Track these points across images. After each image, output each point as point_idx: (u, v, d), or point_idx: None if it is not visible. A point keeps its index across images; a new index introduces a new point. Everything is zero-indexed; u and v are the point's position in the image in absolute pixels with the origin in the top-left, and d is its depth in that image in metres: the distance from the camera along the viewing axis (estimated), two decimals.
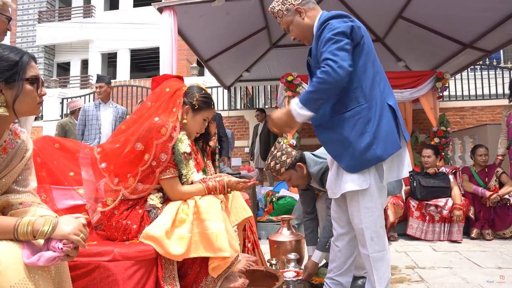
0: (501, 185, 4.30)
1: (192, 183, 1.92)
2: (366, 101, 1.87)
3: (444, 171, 4.35)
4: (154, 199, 1.81)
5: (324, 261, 2.84)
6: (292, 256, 2.58)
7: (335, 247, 2.21)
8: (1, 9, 2.34)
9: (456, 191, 4.15)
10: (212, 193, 1.89)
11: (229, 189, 1.96)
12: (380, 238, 1.92)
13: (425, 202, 4.17)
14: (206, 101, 2.02)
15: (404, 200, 4.31)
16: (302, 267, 2.69)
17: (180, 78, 2.36)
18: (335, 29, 1.82)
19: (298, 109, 1.76)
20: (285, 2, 2.05)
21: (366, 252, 1.93)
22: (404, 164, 1.98)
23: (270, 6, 2.13)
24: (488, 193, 4.18)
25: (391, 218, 4.05)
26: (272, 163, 2.55)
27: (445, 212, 4.05)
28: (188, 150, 1.89)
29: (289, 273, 2.60)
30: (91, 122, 4.58)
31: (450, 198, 4.13)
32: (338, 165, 1.95)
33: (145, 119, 1.83)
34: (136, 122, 1.86)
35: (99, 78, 4.72)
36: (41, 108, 1.30)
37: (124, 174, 1.78)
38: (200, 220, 1.69)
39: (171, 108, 1.88)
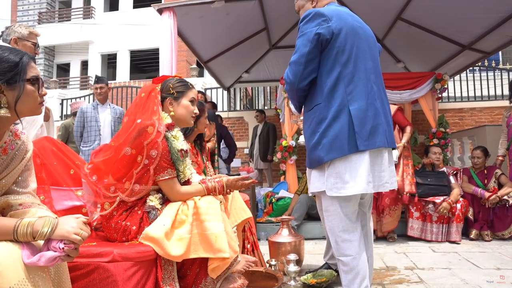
0: (500, 186, 4.30)
1: (188, 179, 1.92)
2: (323, 100, 1.92)
3: (445, 171, 4.36)
4: (153, 200, 1.81)
5: (324, 262, 2.85)
6: (291, 257, 2.58)
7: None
8: (29, 37, 2.75)
9: (455, 192, 4.16)
10: (211, 193, 1.89)
11: (228, 190, 1.97)
12: (345, 243, 1.92)
13: (424, 199, 4.19)
14: (183, 84, 1.99)
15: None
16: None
17: None
18: (303, 34, 1.94)
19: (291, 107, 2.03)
20: None
21: (334, 253, 1.98)
22: (360, 177, 1.88)
23: None
24: (487, 194, 4.19)
25: (388, 227, 4.14)
26: None
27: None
28: (185, 147, 1.88)
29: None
30: (90, 123, 4.54)
31: (447, 197, 4.14)
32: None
33: (129, 126, 1.81)
34: (124, 134, 1.83)
35: (100, 79, 4.71)
36: (42, 108, 1.31)
37: (119, 180, 1.77)
38: (200, 221, 1.69)
39: (151, 107, 1.86)
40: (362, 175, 1.88)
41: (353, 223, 1.96)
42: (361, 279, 1.91)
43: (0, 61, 1.17)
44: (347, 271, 1.92)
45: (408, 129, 4.29)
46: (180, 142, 1.86)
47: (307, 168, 2.14)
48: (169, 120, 1.88)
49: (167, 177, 1.80)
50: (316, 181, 1.98)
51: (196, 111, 2.03)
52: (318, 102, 1.93)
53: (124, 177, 1.77)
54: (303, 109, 2.14)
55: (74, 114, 5.78)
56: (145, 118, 1.80)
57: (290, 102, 2.11)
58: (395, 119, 4.26)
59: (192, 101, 1.99)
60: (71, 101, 10.86)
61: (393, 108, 4.28)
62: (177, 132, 1.88)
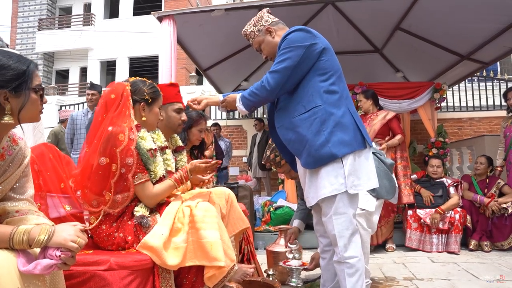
0: (502, 196, 4.27)
1: (161, 178, 1.88)
2: (323, 102, 1.95)
3: (445, 182, 4.33)
4: (140, 210, 1.77)
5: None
6: (292, 246, 2.66)
7: (322, 260, 2.24)
8: None
9: (451, 201, 4.12)
10: (181, 183, 1.90)
11: (193, 174, 1.99)
12: (353, 245, 1.95)
13: (419, 210, 4.19)
14: (156, 91, 1.99)
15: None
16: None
17: (175, 86, 2.36)
18: (292, 42, 1.96)
19: (238, 104, 2.07)
20: (257, 24, 2.21)
21: (339, 258, 1.96)
22: (371, 172, 2.01)
23: (243, 29, 2.29)
24: (486, 200, 4.16)
25: (384, 237, 4.17)
26: (272, 155, 2.60)
27: (440, 224, 4.05)
28: (153, 146, 1.87)
29: (294, 262, 2.63)
30: (79, 131, 4.48)
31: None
32: (310, 173, 2.01)
33: (101, 133, 1.78)
34: (93, 138, 1.81)
35: (93, 86, 4.71)
36: (41, 115, 1.32)
37: (99, 193, 1.74)
38: (195, 229, 1.68)
39: (124, 112, 1.83)
40: (373, 170, 2.01)
41: (355, 224, 1.99)
42: (362, 281, 1.95)
43: (7, 69, 1.17)
44: (352, 273, 1.93)
45: (398, 137, 4.31)
46: (148, 142, 1.85)
47: (307, 173, 2.05)
48: (135, 123, 1.85)
49: (137, 182, 1.77)
50: (330, 184, 1.93)
51: (162, 118, 2.11)
52: (318, 104, 1.95)
53: (103, 189, 1.73)
54: (277, 111, 2.16)
55: (62, 121, 5.79)
56: (116, 124, 1.76)
57: (240, 102, 2.12)
58: (390, 125, 4.30)
59: (159, 108, 2.02)
60: (70, 107, 10.87)
61: (391, 114, 4.32)
62: (143, 133, 1.87)
